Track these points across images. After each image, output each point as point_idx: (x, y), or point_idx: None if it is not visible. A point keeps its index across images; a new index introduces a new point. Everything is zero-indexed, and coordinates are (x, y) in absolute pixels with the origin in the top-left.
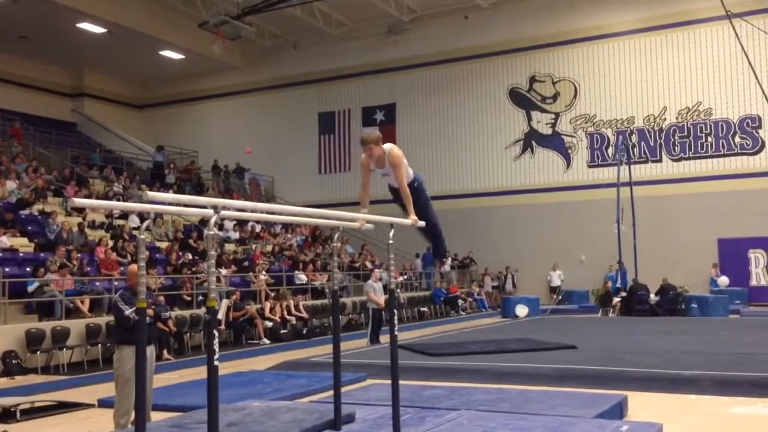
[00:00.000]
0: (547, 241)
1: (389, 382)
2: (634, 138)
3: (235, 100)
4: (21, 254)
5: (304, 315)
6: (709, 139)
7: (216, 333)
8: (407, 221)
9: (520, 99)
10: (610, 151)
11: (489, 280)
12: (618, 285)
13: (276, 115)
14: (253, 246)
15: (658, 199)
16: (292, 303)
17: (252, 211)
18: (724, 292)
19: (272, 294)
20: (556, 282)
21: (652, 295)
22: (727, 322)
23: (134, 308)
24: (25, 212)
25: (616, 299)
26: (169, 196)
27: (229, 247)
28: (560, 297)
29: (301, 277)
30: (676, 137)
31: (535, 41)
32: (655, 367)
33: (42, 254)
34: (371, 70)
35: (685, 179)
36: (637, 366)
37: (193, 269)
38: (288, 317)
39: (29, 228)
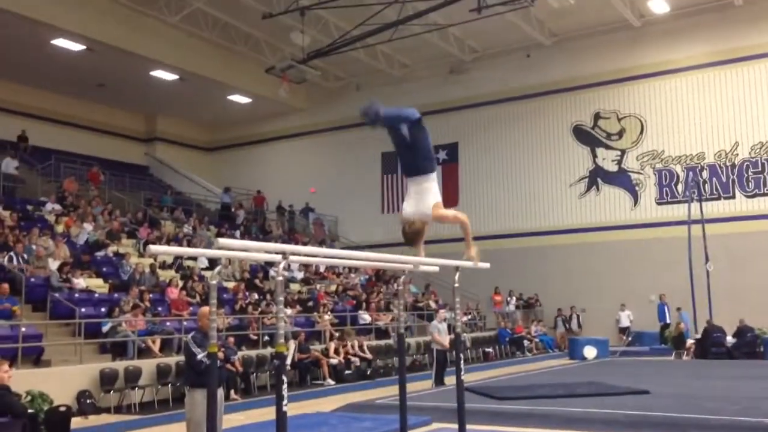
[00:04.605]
0: (614, 281)
1: (455, 426)
2: (705, 174)
3: (300, 142)
4: (96, 295)
5: (368, 356)
6: None
7: (285, 378)
8: (468, 263)
9: (584, 136)
10: (680, 187)
11: (561, 321)
12: (666, 321)
13: (340, 155)
14: (318, 286)
15: (732, 236)
16: (356, 343)
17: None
18: None
19: (336, 334)
20: (625, 323)
21: (728, 337)
22: None
23: (206, 352)
24: (100, 254)
25: (690, 341)
26: (239, 242)
27: (294, 287)
28: (630, 338)
29: (365, 317)
30: (750, 173)
31: (599, 77)
32: (734, 414)
33: (116, 295)
34: (434, 110)
35: (760, 216)
36: (715, 413)
37: (260, 309)
38: (352, 358)
39: (104, 269)
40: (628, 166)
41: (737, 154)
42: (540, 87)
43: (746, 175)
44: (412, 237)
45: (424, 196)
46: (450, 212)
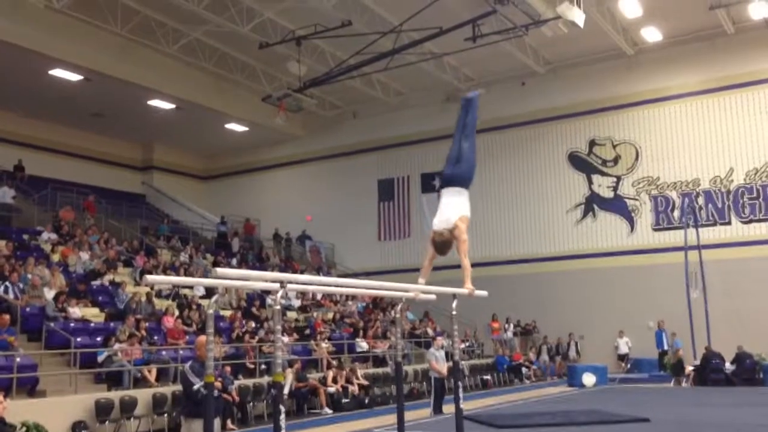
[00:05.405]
0: (612, 307)
1: None
2: (701, 200)
3: (297, 169)
4: (92, 324)
5: (363, 382)
6: None
7: (282, 408)
8: (464, 291)
9: (579, 163)
10: (676, 213)
11: (546, 349)
12: (665, 347)
13: (336, 182)
14: (315, 314)
15: (729, 262)
16: (353, 374)
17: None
18: None
19: (334, 362)
20: (624, 349)
21: (727, 364)
22: None
23: (203, 382)
24: (96, 283)
25: (689, 368)
26: (238, 272)
27: (291, 314)
28: (629, 365)
29: (363, 345)
30: (745, 198)
31: (594, 105)
32: None
33: (112, 324)
34: (430, 137)
35: (756, 242)
36: None
37: (257, 337)
38: (349, 385)
39: (100, 298)
40: (623, 192)
41: (732, 180)
42: (535, 114)
43: (742, 201)
44: (440, 246)
45: (454, 207)
46: (465, 235)
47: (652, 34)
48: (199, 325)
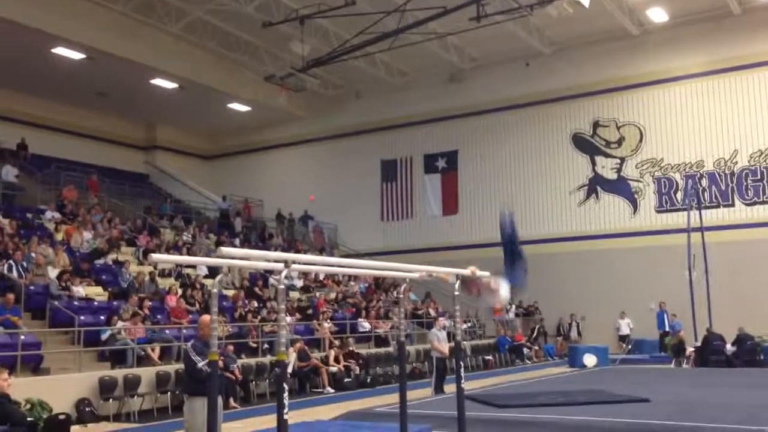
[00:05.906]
0: (614, 288)
1: None
2: (704, 182)
3: (299, 149)
4: (96, 303)
5: (360, 362)
6: None
7: (285, 386)
8: (466, 271)
9: (583, 144)
10: (679, 195)
11: (542, 330)
12: (666, 329)
13: (339, 163)
14: (317, 294)
15: (732, 244)
16: (354, 350)
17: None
18: None
19: (336, 342)
20: (625, 330)
21: (728, 345)
22: None
23: (206, 361)
24: (99, 262)
25: (690, 349)
26: (242, 251)
27: (294, 294)
28: (630, 346)
29: (365, 325)
30: (749, 181)
31: (598, 86)
32: (734, 422)
33: (115, 302)
34: (433, 118)
35: (759, 224)
36: (715, 421)
37: (260, 317)
38: (349, 364)
39: (104, 277)
40: (627, 174)
41: (736, 162)
42: (539, 95)
43: (745, 183)
44: (466, 283)
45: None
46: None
47: (658, 15)
48: (202, 305)
